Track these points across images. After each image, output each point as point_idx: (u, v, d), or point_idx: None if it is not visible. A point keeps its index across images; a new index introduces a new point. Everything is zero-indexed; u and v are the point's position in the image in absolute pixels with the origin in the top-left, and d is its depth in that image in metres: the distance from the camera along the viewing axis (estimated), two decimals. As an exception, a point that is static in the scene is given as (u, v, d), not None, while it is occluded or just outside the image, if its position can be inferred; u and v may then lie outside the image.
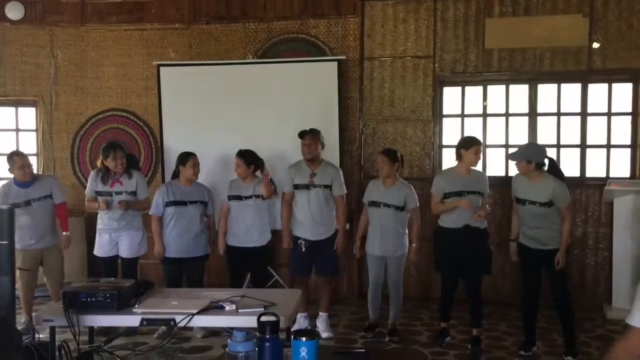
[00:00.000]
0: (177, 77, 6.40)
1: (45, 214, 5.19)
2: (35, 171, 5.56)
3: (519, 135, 6.08)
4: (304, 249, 5.08)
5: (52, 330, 3.30)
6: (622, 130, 6.00)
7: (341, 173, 5.29)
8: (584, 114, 6.01)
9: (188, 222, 5.11)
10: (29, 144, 6.81)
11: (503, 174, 6.04)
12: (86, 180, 5.89)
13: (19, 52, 6.71)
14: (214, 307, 3.34)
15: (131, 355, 4.33)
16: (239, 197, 5.16)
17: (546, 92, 6.12)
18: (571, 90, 6.06)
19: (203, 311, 3.28)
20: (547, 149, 4.91)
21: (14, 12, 6.55)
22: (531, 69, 5.99)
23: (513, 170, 4.96)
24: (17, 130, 6.91)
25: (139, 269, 5.45)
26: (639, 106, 5.89)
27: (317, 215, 5.07)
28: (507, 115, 6.18)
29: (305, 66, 6.24)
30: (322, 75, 6.11)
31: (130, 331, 4.70)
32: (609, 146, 6.01)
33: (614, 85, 5.97)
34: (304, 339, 2.07)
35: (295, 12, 6.35)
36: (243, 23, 6.46)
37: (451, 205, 4.80)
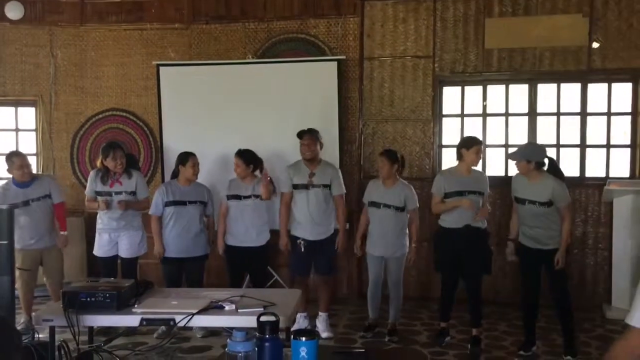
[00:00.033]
0: (177, 76, 6.40)
1: (45, 213, 5.19)
2: (34, 171, 5.56)
3: (519, 135, 6.08)
4: (302, 249, 5.08)
5: (52, 330, 3.30)
6: (622, 130, 6.01)
7: (340, 172, 5.29)
8: (583, 114, 6.01)
9: (187, 222, 5.11)
10: (28, 144, 6.81)
11: (503, 173, 6.04)
12: (86, 180, 5.89)
13: (19, 51, 6.70)
14: (214, 307, 3.34)
15: (131, 355, 4.34)
16: (237, 197, 5.16)
17: (546, 92, 6.12)
18: (571, 90, 6.06)
19: (203, 311, 3.28)
20: (546, 148, 4.90)
21: (13, 11, 6.54)
22: (531, 68, 5.99)
23: (513, 170, 4.96)
24: (17, 130, 6.91)
25: (138, 269, 5.45)
26: (639, 106, 5.89)
27: (316, 215, 5.07)
28: (506, 115, 6.18)
29: (305, 66, 6.23)
30: (322, 75, 6.11)
31: (129, 331, 4.70)
32: (608, 146, 6.01)
33: (614, 85, 5.97)
34: (303, 338, 2.07)
35: (295, 12, 6.35)
36: (243, 23, 6.46)
37: (452, 205, 4.80)
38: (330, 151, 5.65)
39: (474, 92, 6.27)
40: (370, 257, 5.14)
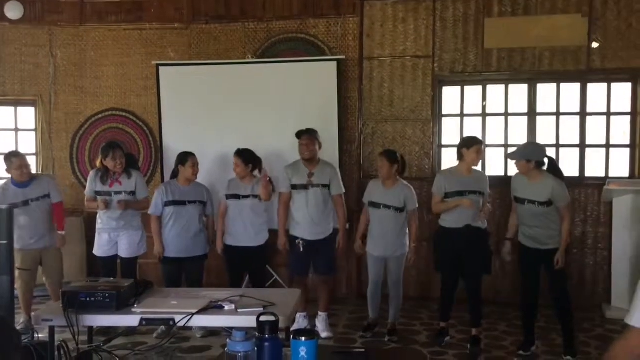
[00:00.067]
0: (177, 76, 6.40)
1: (44, 213, 5.19)
2: (34, 171, 5.56)
3: (519, 135, 6.08)
4: (301, 249, 5.08)
5: (52, 330, 3.30)
6: (621, 130, 6.01)
7: (339, 172, 5.29)
8: (583, 114, 6.01)
9: (187, 222, 5.11)
10: (28, 144, 6.81)
11: (502, 173, 6.04)
12: (85, 180, 5.89)
13: (18, 51, 6.70)
14: (213, 307, 3.34)
15: (130, 355, 4.34)
16: (236, 197, 5.16)
17: (545, 91, 6.12)
18: (570, 90, 6.06)
19: (202, 311, 3.28)
20: (546, 148, 4.91)
21: (13, 11, 6.54)
22: (530, 68, 5.99)
23: (512, 170, 4.96)
24: (17, 130, 6.91)
25: (138, 269, 5.45)
26: (638, 106, 5.90)
27: (315, 215, 5.07)
28: (506, 115, 6.18)
29: (305, 66, 6.23)
30: (322, 75, 6.11)
31: (129, 331, 4.71)
32: (608, 146, 6.01)
33: (613, 85, 5.97)
34: (303, 338, 2.07)
35: (294, 11, 6.35)
36: (242, 23, 6.46)
37: (452, 205, 4.80)
38: (329, 151, 5.65)
39: (473, 92, 6.27)
40: (371, 257, 5.14)
